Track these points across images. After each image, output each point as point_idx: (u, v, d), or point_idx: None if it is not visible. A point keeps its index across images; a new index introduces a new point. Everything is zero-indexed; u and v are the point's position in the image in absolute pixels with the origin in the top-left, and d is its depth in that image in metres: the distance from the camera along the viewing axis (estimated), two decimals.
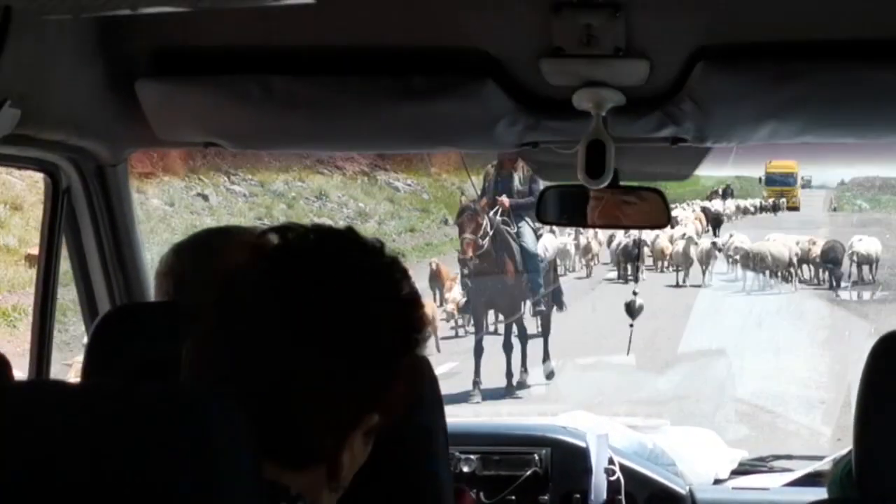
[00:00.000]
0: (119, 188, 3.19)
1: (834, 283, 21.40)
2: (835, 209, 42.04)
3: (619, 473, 3.56)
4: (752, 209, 39.17)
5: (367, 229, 20.78)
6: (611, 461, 3.57)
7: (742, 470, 4.04)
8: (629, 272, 21.06)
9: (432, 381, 1.89)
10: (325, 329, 1.43)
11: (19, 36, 2.22)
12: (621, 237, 21.31)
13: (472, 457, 3.60)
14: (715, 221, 31.50)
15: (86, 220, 3.16)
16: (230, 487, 1.20)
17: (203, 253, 2.52)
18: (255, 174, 24.09)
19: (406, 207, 27.19)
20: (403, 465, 1.85)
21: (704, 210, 32.40)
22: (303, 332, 1.43)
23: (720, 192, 41.02)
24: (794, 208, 39.58)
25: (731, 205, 37.66)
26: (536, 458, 3.59)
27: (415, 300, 1.55)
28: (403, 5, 2.46)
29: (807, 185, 45.51)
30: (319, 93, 2.72)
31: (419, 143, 3.15)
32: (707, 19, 2.44)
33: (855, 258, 21.59)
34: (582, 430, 3.70)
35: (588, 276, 22.50)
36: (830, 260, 21.50)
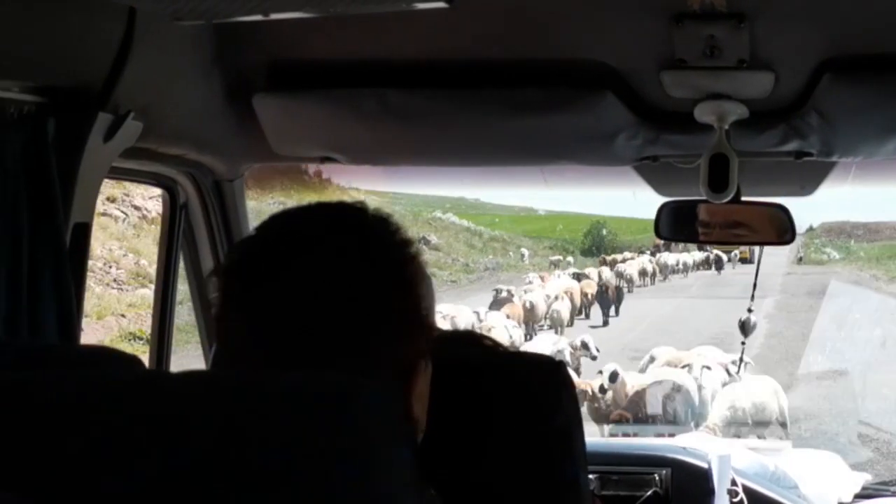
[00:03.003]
0: (236, 203, 3.21)
1: None
2: (800, 259, 38.34)
3: (741, 495, 3.46)
4: (692, 264, 33.64)
5: None
6: (733, 482, 3.48)
7: (866, 494, 3.92)
8: None
9: (568, 385, 1.83)
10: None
11: (143, 46, 2.24)
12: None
13: (590, 476, 3.53)
14: (599, 297, 24.32)
15: (202, 235, 3.18)
16: (387, 479, 1.18)
17: None
18: None
19: None
20: (544, 470, 1.79)
21: (578, 275, 26.16)
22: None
23: None
24: (746, 260, 34.32)
25: (643, 262, 31.73)
26: (657, 478, 3.50)
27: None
28: (522, 17, 2.43)
29: None
30: (435, 106, 2.71)
31: (535, 157, 3.11)
32: (833, 30, 2.37)
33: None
34: (703, 451, 3.61)
35: None
36: None
